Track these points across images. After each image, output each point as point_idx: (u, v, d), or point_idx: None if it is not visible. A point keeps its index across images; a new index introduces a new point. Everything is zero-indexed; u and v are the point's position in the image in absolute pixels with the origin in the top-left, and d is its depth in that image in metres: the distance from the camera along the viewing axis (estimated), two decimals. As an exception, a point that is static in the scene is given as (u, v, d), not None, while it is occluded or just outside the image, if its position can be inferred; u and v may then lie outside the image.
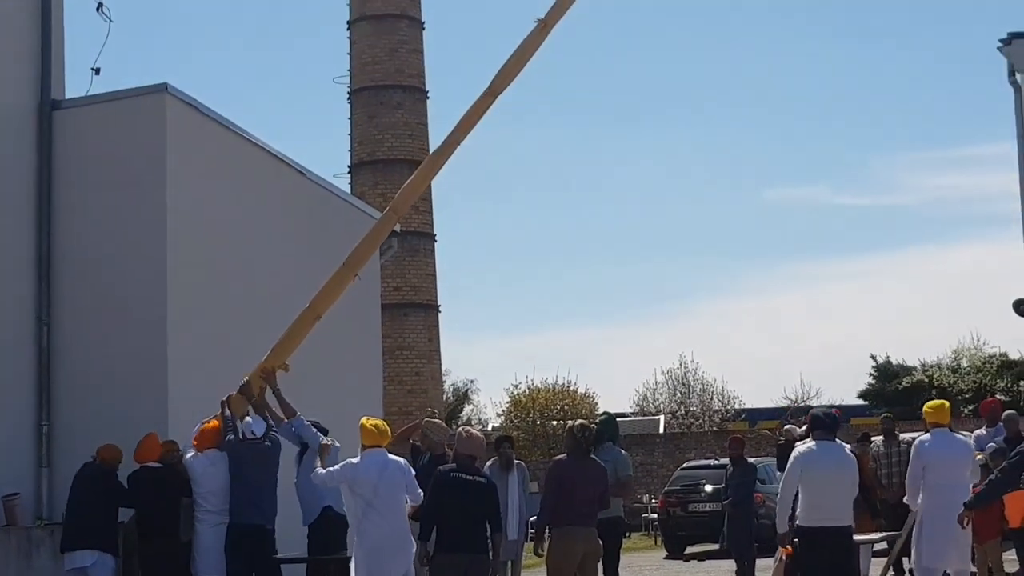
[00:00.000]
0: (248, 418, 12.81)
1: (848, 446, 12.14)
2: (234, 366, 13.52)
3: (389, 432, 11.38)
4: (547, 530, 11.59)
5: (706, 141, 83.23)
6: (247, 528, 12.40)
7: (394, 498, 10.95)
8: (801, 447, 11.29)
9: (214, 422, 12.84)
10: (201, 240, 15.29)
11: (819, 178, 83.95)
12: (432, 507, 11.04)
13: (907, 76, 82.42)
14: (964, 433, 13.33)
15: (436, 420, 13.74)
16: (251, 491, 12.47)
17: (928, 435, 12.59)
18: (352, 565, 10.95)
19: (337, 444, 12.40)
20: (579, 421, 12.82)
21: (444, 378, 46.18)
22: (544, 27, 11.95)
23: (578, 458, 11.77)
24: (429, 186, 30.03)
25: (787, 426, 19.05)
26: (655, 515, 29.23)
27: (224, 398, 12.91)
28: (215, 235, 15.54)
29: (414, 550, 11.06)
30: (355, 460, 11.04)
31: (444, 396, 46.29)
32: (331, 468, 11.21)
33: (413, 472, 11.31)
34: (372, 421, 11.23)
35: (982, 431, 16.82)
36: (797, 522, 11.08)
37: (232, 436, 12.65)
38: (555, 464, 11.91)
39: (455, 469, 11.16)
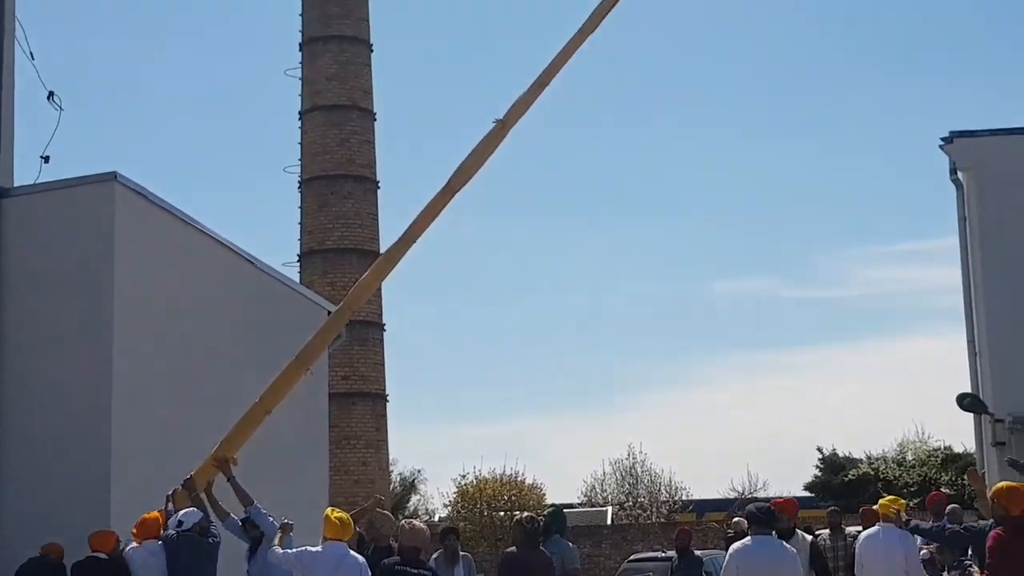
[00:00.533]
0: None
1: (802, 534, 12.08)
2: (180, 456, 13.39)
3: (352, 527, 11.32)
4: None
5: (656, 234, 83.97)
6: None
7: (345, 595, 10.83)
8: (737, 544, 11.27)
9: (155, 513, 12.68)
10: (149, 328, 15.20)
11: (768, 271, 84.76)
12: (377, 600, 10.94)
13: (853, 172, 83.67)
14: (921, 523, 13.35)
15: (385, 512, 13.67)
16: (187, 585, 12.27)
17: (867, 530, 12.68)
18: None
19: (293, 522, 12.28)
20: (526, 513, 12.86)
21: (391, 468, 45.87)
22: (503, 127, 12.05)
23: (526, 550, 11.81)
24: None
25: (735, 518, 19.03)
26: (602, 608, 28.98)
27: (170, 491, 12.77)
28: (163, 323, 15.46)
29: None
30: (315, 549, 10.95)
31: (391, 486, 45.95)
32: (288, 551, 11.14)
33: (369, 574, 11.20)
34: (337, 514, 11.15)
35: (927, 525, 16.86)
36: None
37: (172, 530, 12.48)
38: (504, 557, 11.94)
39: (400, 562, 11.08)
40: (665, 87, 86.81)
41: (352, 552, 11.10)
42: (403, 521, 12.34)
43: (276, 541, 11.46)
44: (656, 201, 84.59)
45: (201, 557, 12.41)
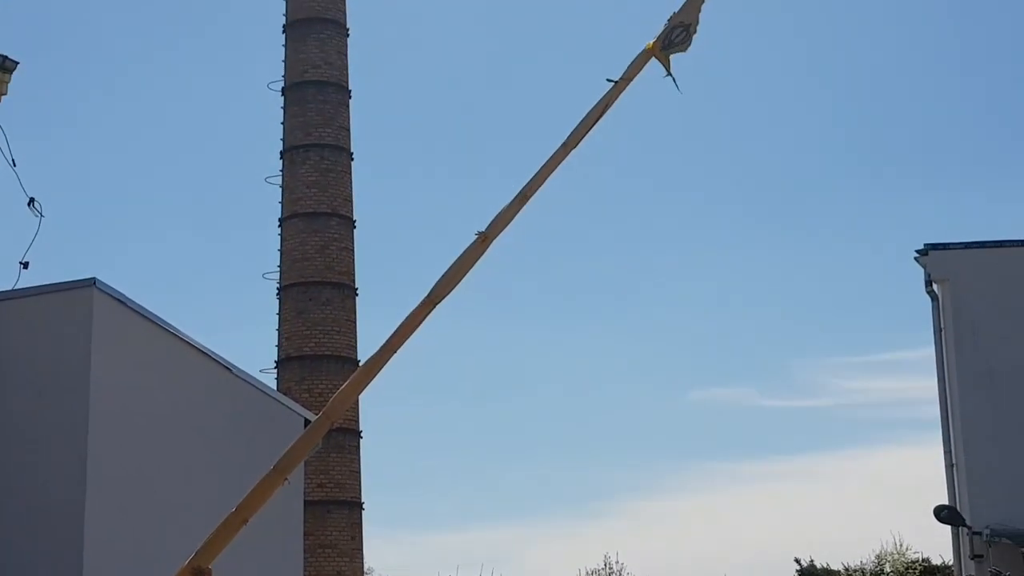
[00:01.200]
0: None
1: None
2: (155, 564, 13.25)
3: None
4: None
5: (632, 342, 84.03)
6: None
7: None
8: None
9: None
10: (125, 435, 15.14)
11: (744, 380, 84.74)
12: None
13: (830, 282, 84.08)
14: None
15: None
16: None
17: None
18: None
19: None
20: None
21: (366, 577, 45.33)
22: (484, 240, 12.09)
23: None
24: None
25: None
26: None
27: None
28: (139, 430, 15.40)
29: None
30: None
31: (365, 596, 45.36)
32: None
33: None
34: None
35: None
36: None
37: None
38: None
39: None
40: (641, 194, 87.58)
41: None
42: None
43: None
44: (631, 308, 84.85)
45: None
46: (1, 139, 16.34)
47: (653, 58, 9.48)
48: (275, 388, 34.70)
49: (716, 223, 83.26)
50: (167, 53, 71.05)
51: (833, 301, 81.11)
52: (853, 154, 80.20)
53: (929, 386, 19.97)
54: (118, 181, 76.24)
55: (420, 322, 12.41)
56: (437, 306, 12.20)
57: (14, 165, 16.41)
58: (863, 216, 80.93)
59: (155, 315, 16.08)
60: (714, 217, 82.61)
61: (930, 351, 19.76)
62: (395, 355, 12.45)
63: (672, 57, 7.87)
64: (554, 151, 12.05)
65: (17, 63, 16.51)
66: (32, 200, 16.71)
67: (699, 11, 8.16)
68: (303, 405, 21.83)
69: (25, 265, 16.49)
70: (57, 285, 15.49)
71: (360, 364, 38.41)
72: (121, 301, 15.54)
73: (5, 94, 16.52)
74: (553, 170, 12.15)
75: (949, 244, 19.78)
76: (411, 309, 12.29)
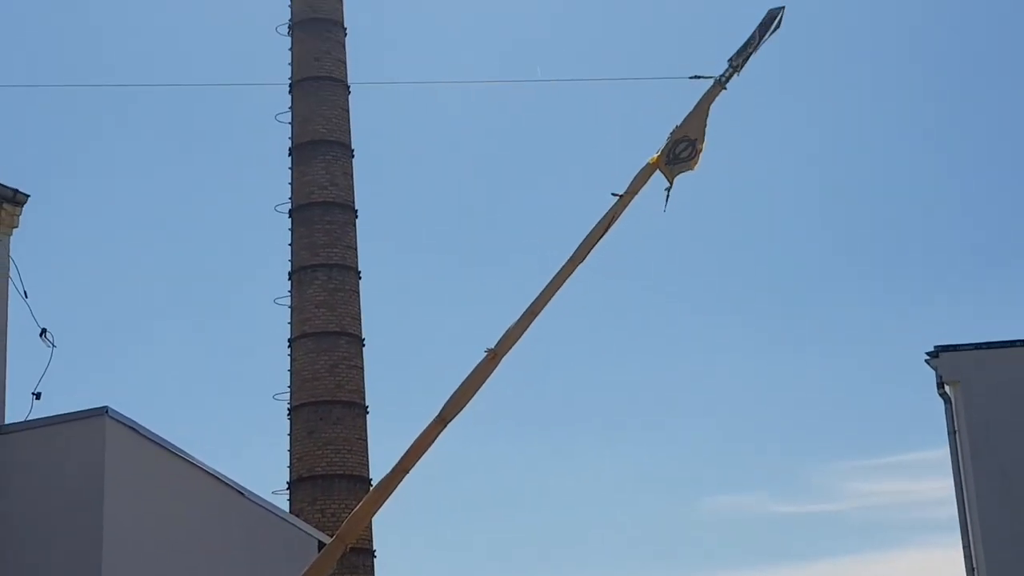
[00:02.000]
0: None
1: None
2: None
3: None
4: None
5: (642, 450, 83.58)
6: None
7: None
8: None
9: None
10: (138, 561, 15.09)
11: (757, 486, 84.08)
12: None
13: (839, 386, 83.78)
14: None
15: None
16: None
17: None
18: None
19: None
20: None
21: None
22: (494, 358, 12.20)
23: None
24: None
25: None
26: None
27: None
28: (153, 556, 15.34)
29: None
30: None
31: None
32: None
33: None
34: None
35: None
36: None
37: None
38: None
39: None
40: (649, 302, 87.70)
41: None
42: None
43: None
44: (641, 416, 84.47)
45: None
46: (13, 271, 16.51)
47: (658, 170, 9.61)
48: (288, 510, 34.56)
49: (723, 329, 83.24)
50: (174, 179, 71.68)
51: (844, 404, 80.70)
52: (862, 256, 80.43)
53: (946, 487, 19.84)
54: (127, 307, 76.50)
55: (432, 441, 12.42)
56: (448, 424, 12.25)
57: (26, 296, 16.56)
58: (872, 319, 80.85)
59: (167, 441, 16.10)
60: (721, 323, 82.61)
61: (945, 452, 19.67)
62: (408, 475, 12.48)
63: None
64: (561, 266, 12.17)
65: (28, 196, 16.72)
66: (44, 331, 16.83)
67: (705, 126, 8.27)
68: (316, 526, 21.73)
69: (38, 396, 16.57)
70: (70, 415, 15.54)
71: (373, 483, 38.34)
72: (133, 428, 15.58)
73: (16, 227, 16.70)
74: (561, 285, 12.23)
75: (960, 345, 19.76)
76: (422, 427, 12.35)
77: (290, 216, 39.52)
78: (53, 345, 16.89)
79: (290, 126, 39.94)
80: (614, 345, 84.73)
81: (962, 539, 19.37)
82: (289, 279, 39.76)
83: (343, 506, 36.19)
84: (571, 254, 11.90)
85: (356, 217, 39.67)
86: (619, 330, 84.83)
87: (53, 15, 72.15)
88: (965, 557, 19.26)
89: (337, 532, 13.42)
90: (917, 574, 71.66)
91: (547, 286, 12.08)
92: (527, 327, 12.18)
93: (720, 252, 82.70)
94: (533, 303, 12.01)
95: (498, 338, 12.25)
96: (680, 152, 8.34)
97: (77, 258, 73.73)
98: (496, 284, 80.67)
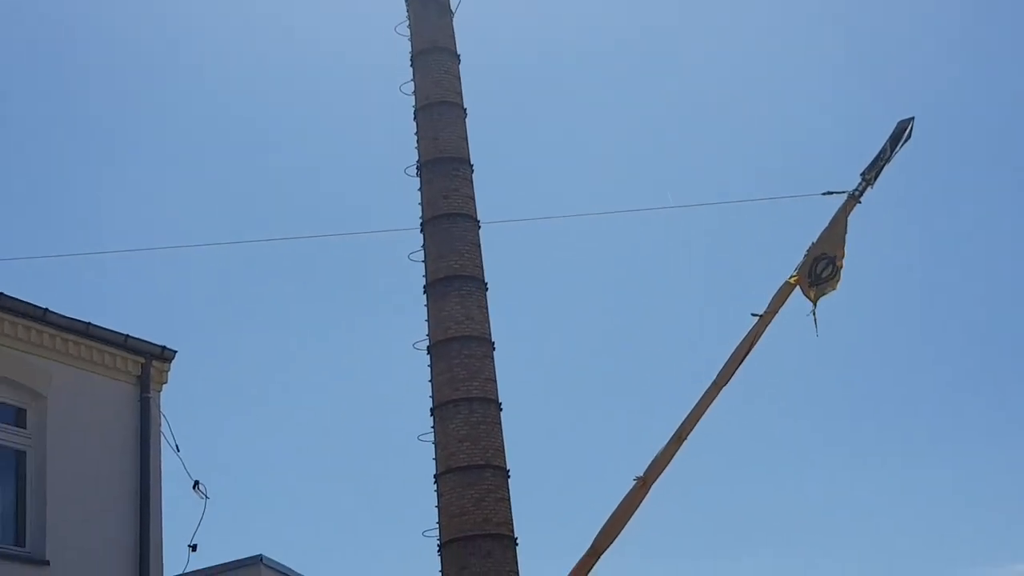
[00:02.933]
0: None
1: None
2: None
3: None
4: None
5: (785, 565, 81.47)
6: None
7: None
8: None
9: None
10: None
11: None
12: None
13: (994, 491, 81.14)
14: None
15: None
16: None
17: None
18: None
19: None
20: None
21: None
22: (643, 484, 12.14)
23: None
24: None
25: None
26: None
27: None
28: None
29: None
30: None
31: None
32: None
33: None
34: None
35: None
36: None
37: None
38: None
39: None
40: (794, 414, 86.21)
41: None
42: None
43: None
44: (799, 534, 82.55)
45: None
46: (164, 427, 16.90)
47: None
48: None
49: (894, 433, 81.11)
50: (312, 325, 73.02)
51: (1000, 510, 78.11)
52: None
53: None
54: (274, 456, 77.52)
55: (587, 573, 12.33)
56: (601, 556, 12.14)
57: (178, 450, 16.91)
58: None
59: (321, 586, 16.16)
60: (890, 428, 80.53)
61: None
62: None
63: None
64: (705, 390, 12.08)
65: (175, 352, 17.14)
66: (197, 483, 17.13)
67: (844, 244, 8.20)
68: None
69: (194, 548, 16.80)
70: (225, 565, 15.71)
71: (527, 617, 37.42)
72: (287, 575, 15.67)
73: (165, 383, 17.12)
74: (707, 408, 12.14)
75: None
76: (572, 555, 12.24)
77: (428, 352, 39.89)
78: (206, 497, 17.17)
79: (423, 264, 40.51)
80: (754, 455, 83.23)
81: None
82: (431, 415, 39.99)
83: (498, 641, 35.91)
84: (714, 377, 11.83)
85: (493, 349, 39.88)
86: (757, 443, 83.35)
87: (170, 172, 74.54)
88: None
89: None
90: None
91: (692, 410, 12.00)
92: (675, 452, 12.08)
93: (860, 358, 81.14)
94: (680, 427, 11.93)
95: (646, 465, 12.16)
96: (821, 271, 8.27)
97: (224, 410, 75.13)
98: (637, 411, 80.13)
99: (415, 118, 42.04)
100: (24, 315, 15.73)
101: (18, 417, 15.82)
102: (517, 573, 38.63)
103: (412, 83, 42.31)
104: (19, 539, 15.40)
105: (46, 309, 15.91)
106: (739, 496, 78.72)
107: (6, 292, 15.57)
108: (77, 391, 16.17)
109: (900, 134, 11.37)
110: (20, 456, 15.69)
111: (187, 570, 16.24)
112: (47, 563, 15.14)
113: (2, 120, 72.84)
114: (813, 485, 78.12)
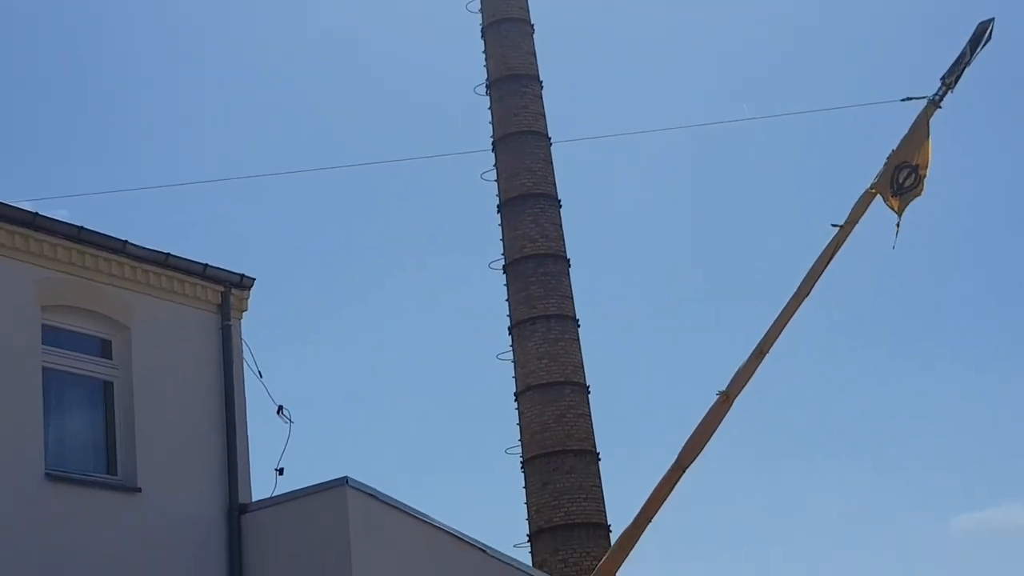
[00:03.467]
0: None
1: None
2: None
3: None
4: None
5: (886, 473, 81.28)
6: None
7: None
8: None
9: None
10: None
11: (1011, 498, 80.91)
12: None
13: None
14: None
15: None
16: None
17: None
18: None
19: None
20: None
21: None
22: (727, 399, 12.10)
23: None
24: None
25: None
26: None
27: None
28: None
29: None
30: None
31: None
32: None
33: None
34: None
35: None
36: None
37: None
38: None
39: None
40: (883, 321, 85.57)
41: None
42: None
43: None
44: (883, 439, 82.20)
45: None
46: (246, 353, 17.07)
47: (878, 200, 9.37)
48: (530, 562, 34.67)
49: (964, 340, 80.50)
50: (387, 249, 73.35)
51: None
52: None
53: None
54: (356, 379, 78.30)
55: (671, 489, 12.35)
56: (686, 470, 12.14)
57: (260, 376, 17.08)
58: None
59: (407, 505, 16.31)
60: (960, 334, 79.93)
61: None
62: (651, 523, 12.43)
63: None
64: (787, 302, 11.98)
65: (254, 279, 17.26)
66: (281, 408, 17.32)
67: (927, 150, 8.03)
68: (560, 578, 21.69)
69: (280, 471, 17.03)
70: (311, 488, 15.87)
71: (611, 529, 38.02)
72: (374, 496, 15.82)
73: (246, 310, 17.26)
74: (788, 321, 12.04)
75: None
76: (657, 472, 12.26)
77: (504, 272, 39.94)
78: (290, 421, 17.37)
79: (496, 183, 40.44)
80: (848, 373, 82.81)
81: None
82: (509, 334, 40.13)
83: (584, 554, 36.20)
84: (796, 289, 11.73)
85: (569, 267, 39.85)
86: (850, 356, 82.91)
87: (245, 103, 74.73)
88: None
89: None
90: None
91: (774, 323, 11.92)
92: (757, 366, 12.01)
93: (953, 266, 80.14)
94: (761, 342, 11.85)
95: (728, 380, 12.11)
96: (904, 180, 8.10)
97: (304, 336, 75.85)
98: (717, 326, 79.80)
99: (482, 36, 41.82)
100: (104, 248, 15.89)
101: (104, 348, 16.04)
102: (600, 488, 38.87)
103: (478, 0, 42.06)
104: (111, 467, 15.69)
105: (126, 241, 16.06)
106: (827, 400, 78.31)
107: (86, 226, 15.73)
108: (159, 321, 16.36)
109: (980, 36, 11.09)
110: (108, 387, 15.94)
111: (274, 493, 16.47)
112: (139, 490, 15.42)
113: (84, 55, 73.45)
114: (910, 379, 77.58)
